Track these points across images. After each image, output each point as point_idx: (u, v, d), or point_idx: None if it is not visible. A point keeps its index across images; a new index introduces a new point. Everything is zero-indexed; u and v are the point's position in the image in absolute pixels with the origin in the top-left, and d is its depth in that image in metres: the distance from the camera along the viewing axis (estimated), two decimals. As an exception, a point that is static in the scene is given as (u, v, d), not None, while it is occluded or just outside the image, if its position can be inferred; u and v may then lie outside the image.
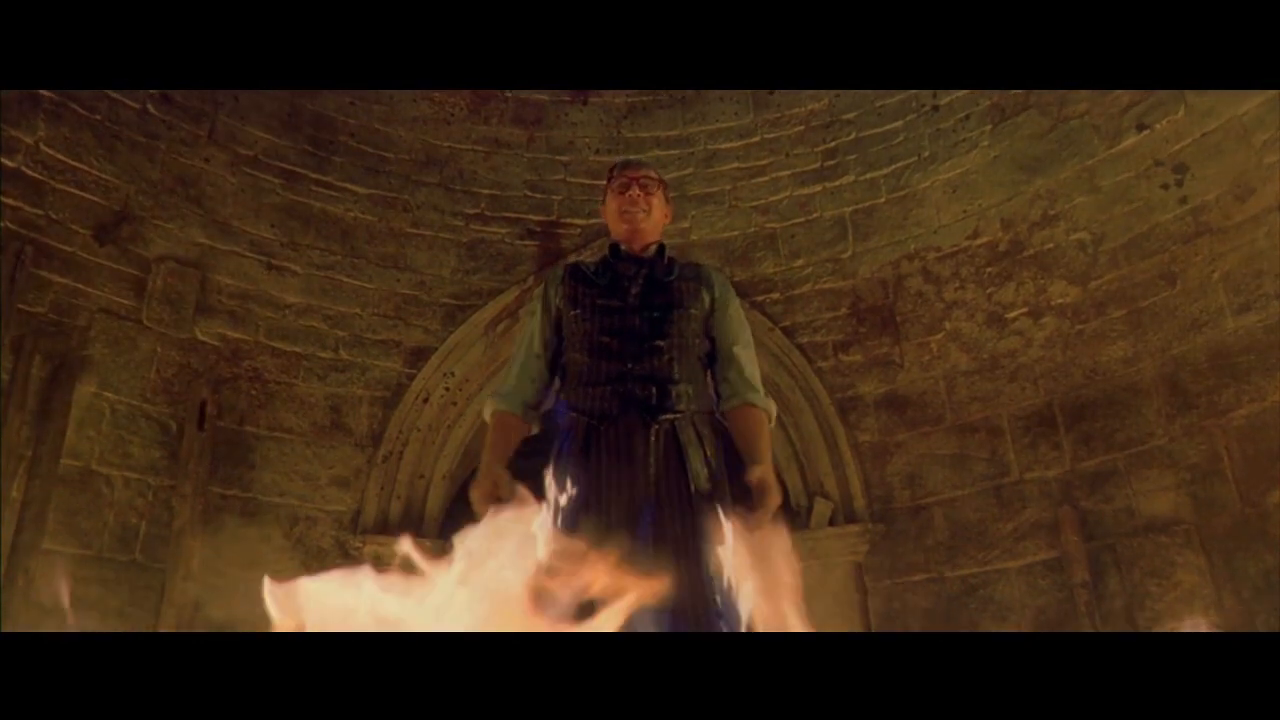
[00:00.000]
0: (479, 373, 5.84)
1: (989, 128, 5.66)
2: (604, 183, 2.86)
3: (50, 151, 4.92)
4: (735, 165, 6.32)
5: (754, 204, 6.21)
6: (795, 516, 5.55)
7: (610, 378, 2.45)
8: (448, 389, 5.78)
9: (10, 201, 4.70)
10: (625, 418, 2.41)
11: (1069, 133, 5.34)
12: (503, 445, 2.61)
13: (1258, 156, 4.59)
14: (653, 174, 2.78)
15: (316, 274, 5.73)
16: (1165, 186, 4.92)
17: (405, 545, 2.02)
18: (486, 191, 6.30)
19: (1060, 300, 5.19)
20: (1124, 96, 5.12)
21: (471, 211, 6.23)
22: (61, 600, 4.14)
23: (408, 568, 1.93)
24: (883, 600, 5.21)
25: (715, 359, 2.66)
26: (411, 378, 5.74)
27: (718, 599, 2.19)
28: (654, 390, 2.42)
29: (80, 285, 4.88)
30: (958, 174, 5.72)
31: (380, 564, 5.24)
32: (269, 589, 1.76)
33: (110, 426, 4.83)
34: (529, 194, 6.34)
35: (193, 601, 4.71)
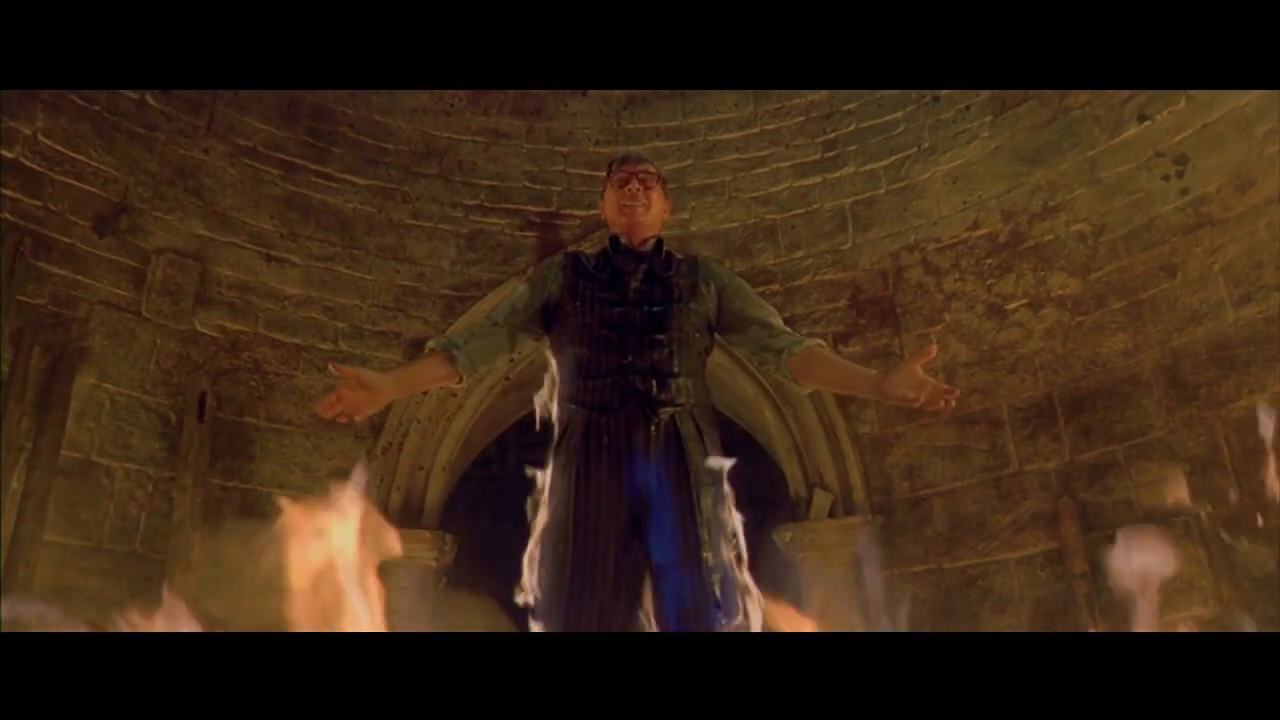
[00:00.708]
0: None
1: (989, 119, 5.65)
2: (603, 174, 2.86)
3: (49, 143, 4.91)
4: (735, 156, 6.31)
5: (754, 195, 6.20)
6: (795, 508, 5.56)
7: (610, 370, 2.45)
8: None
9: (9, 193, 4.69)
10: (625, 410, 2.41)
11: (1070, 124, 5.33)
12: (414, 372, 2.64)
13: (1259, 147, 4.58)
14: (652, 168, 2.77)
15: (316, 265, 5.73)
16: (1166, 178, 4.91)
17: None
18: (486, 182, 6.29)
19: (1060, 292, 5.18)
20: (1125, 87, 5.11)
21: (471, 203, 6.23)
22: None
23: None
24: (882, 591, 5.22)
25: (747, 334, 2.64)
26: (411, 369, 5.73)
27: (716, 591, 2.19)
28: (654, 383, 2.42)
29: (79, 277, 4.88)
30: (958, 165, 5.71)
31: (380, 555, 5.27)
32: None
33: (110, 418, 4.83)
34: (528, 185, 6.33)
35: (193, 592, 4.71)
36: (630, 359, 2.45)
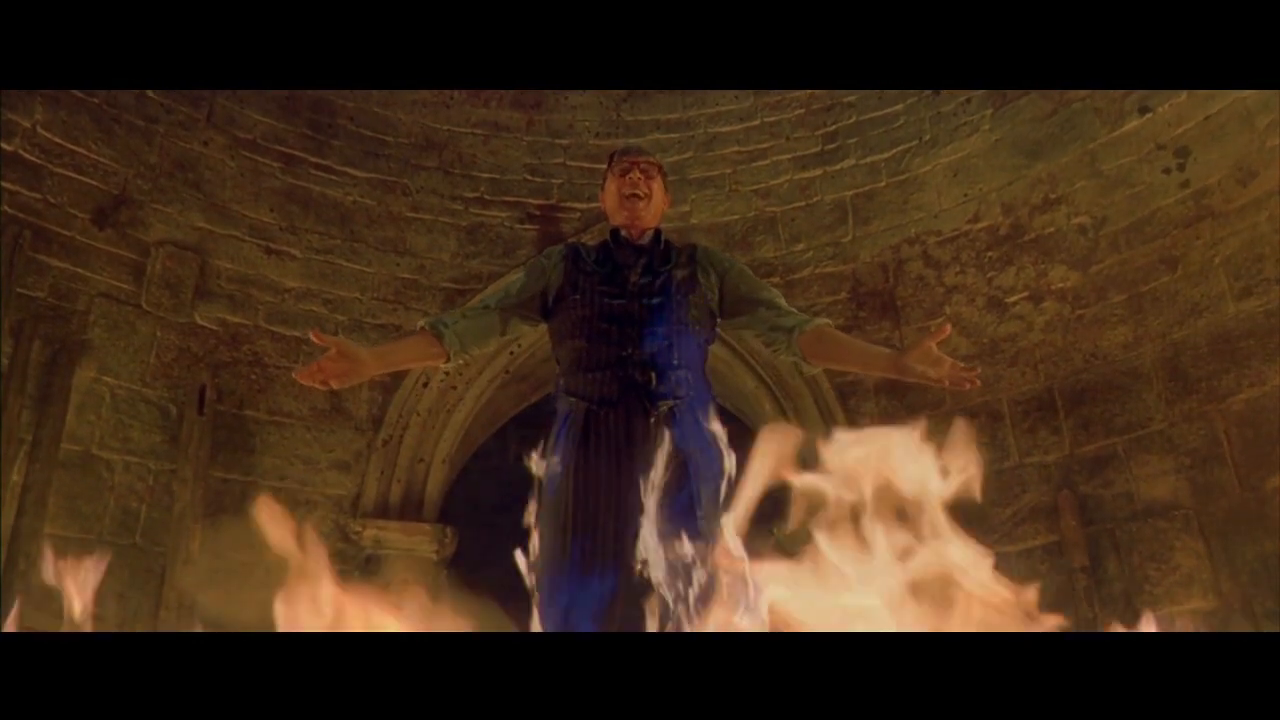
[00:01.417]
0: (478, 357, 5.82)
1: (990, 111, 5.64)
2: (603, 167, 2.86)
3: (48, 135, 4.91)
4: (735, 149, 6.31)
5: (754, 188, 6.20)
6: (795, 501, 5.55)
7: (609, 362, 2.46)
8: (447, 373, 5.77)
9: (8, 185, 4.68)
10: (624, 402, 2.41)
11: (1070, 116, 5.32)
12: (400, 348, 2.62)
13: (1260, 140, 4.57)
14: (653, 159, 2.78)
15: (316, 258, 5.72)
16: (1167, 170, 4.91)
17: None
18: (486, 175, 6.29)
19: (1060, 285, 5.18)
20: (1126, 80, 5.10)
21: (471, 195, 6.22)
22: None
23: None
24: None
25: (754, 315, 2.64)
26: (411, 362, 5.73)
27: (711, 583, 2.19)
28: (653, 375, 2.42)
29: (79, 269, 4.88)
30: (959, 158, 5.70)
31: (380, 548, 5.28)
32: None
33: (110, 411, 4.83)
34: (528, 178, 6.32)
35: (193, 585, 4.72)
36: (630, 351, 2.46)
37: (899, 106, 5.97)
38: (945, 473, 1.65)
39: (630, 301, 2.54)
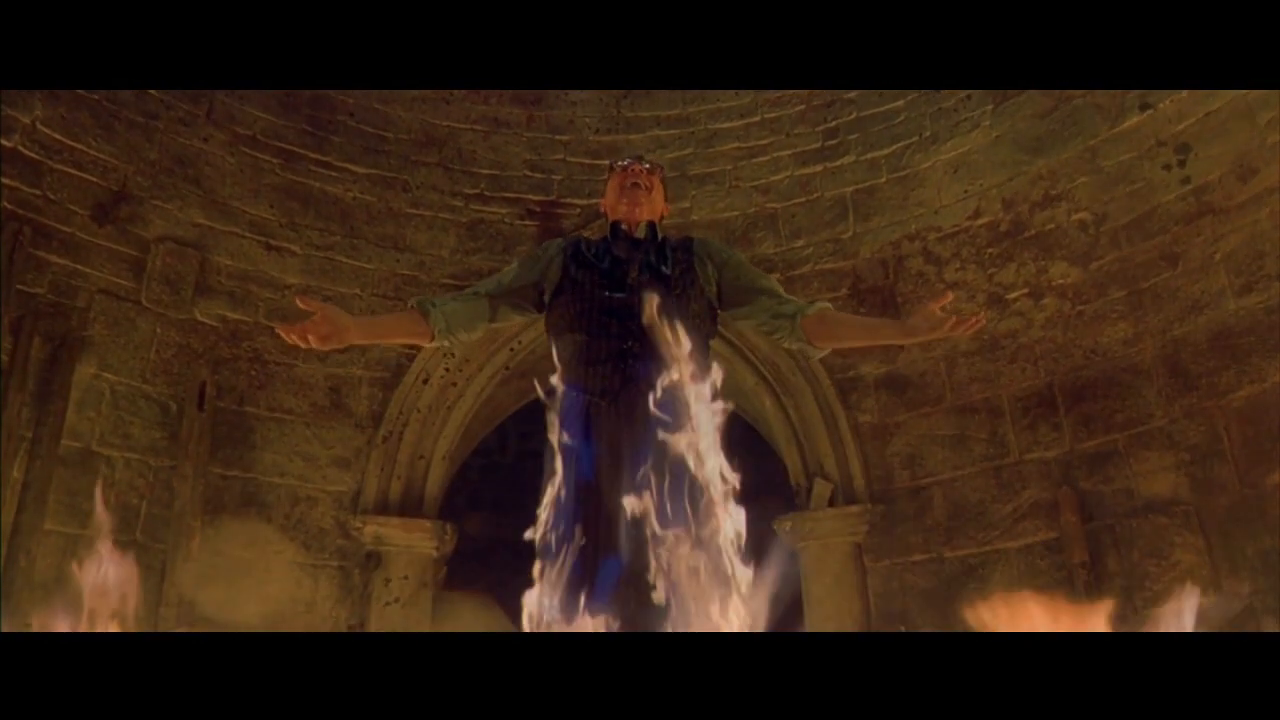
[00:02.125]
0: (479, 353, 5.83)
1: (990, 107, 5.63)
2: (603, 163, 2.88)
3: (47, 131, 4.90)
4: (736, 145, 6.30)
5: (754, 184, 6.19)
6: (795, 497, 5.56)
7: (610, 356, 2.46)
8: (447, 369, 5.77)
9: (8, 182, 4.68)
10: (625, 396, 2.42)
11: (1071, 113, 5.32)
12: (386, 321, 2.61)
13: (1261, 136, 4.56)
14: (655, 165, 2.83)
15: (316, 254, 5.72)
16: (1167, 167, 4.90)
17: None
18: (486, 171, 6.28)
19: (1061, 281, 5.18)
20: (1127, 76, 5.09)
21: (471, 191, 6.22)
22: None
23: None
24: (881, 580, 5.23)
25: (755, 304, 2.67)
26: (411, 358, 5.73)
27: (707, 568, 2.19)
28: (655, 367, 2.42)
29: (79, 266, 4.88)
30: (959, 154, 5.69)
31: (381, 544, 5.29)
32: None
33: (110, 407, 4.83)
34: (528, 174, 6.32)
35: (194, 581, 4.72)
36: (630, 345, 2.46)
37: (900, 103, 5.97)
38: None
39: (630, 295, 2.54)
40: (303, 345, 2.44)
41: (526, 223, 6.20)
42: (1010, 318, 5.30)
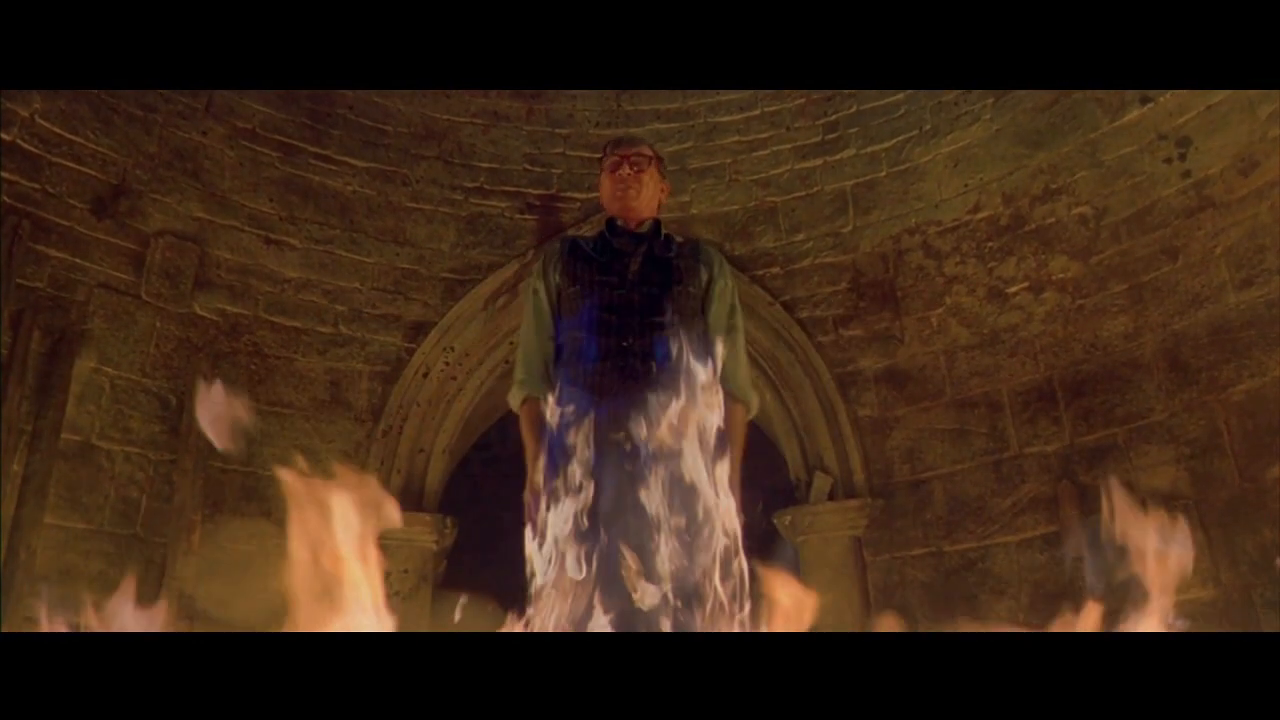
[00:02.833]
0: (479, 347, 5.83)
1: (991, 101, 5.62)
2: (600, 159, 2.86)
3: (46, 125, 4.89)
4: (735, 139, 6.29)
5: (754, 178, 6.18)
6: (795, 490, 5.56)
7: (609, 353, 2.46)
8: (448, 363, 5.77)
9: (7, 175, 4.67)
10: (625, 393, 2.41)
11: (1071, 106, 5.31)
12: (539, 437, 2.60)
13: (1262, 129, 4.56)
14: (645, 151, 2.77)
15: (315, 248, 5.71)
16: (1168, 160, 4.89)
17: None
18: (485, 165, 6.27)
19: (1061, 275, 5.17)
20: (1127, 69, 5.08)
21: (471, 185, 6.21)
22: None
23: None
24: (881, 574, 5.23)
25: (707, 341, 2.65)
26: (411, 352, 5.73)
27: (710, 569, 2.19)
28: (653, 366, 2.42)
29: (78, 260, 4.87)
30: (959, 148, 5.68)
31: (380, 538, 5.28)
32: None
33: (110, 401, 4.83)
34: (528, 168, 6.31)
35: (194, 575, 4.73)
36: (630, 342, 2.46)
37: (899, 96, 5.95)
38: None
39: (630, 291, 2.54)
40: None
41: (526, 216, 6.19)
42: (1010, 312, 5.30)
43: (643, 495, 2.27)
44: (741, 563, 2.24)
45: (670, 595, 2.12)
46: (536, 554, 2.28)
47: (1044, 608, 4.77)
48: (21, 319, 4.54)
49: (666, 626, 2.09)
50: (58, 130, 4.93)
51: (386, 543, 5.38)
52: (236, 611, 4.73)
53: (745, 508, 2.39)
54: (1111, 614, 2.02)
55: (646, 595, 2.10)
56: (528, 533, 2.34)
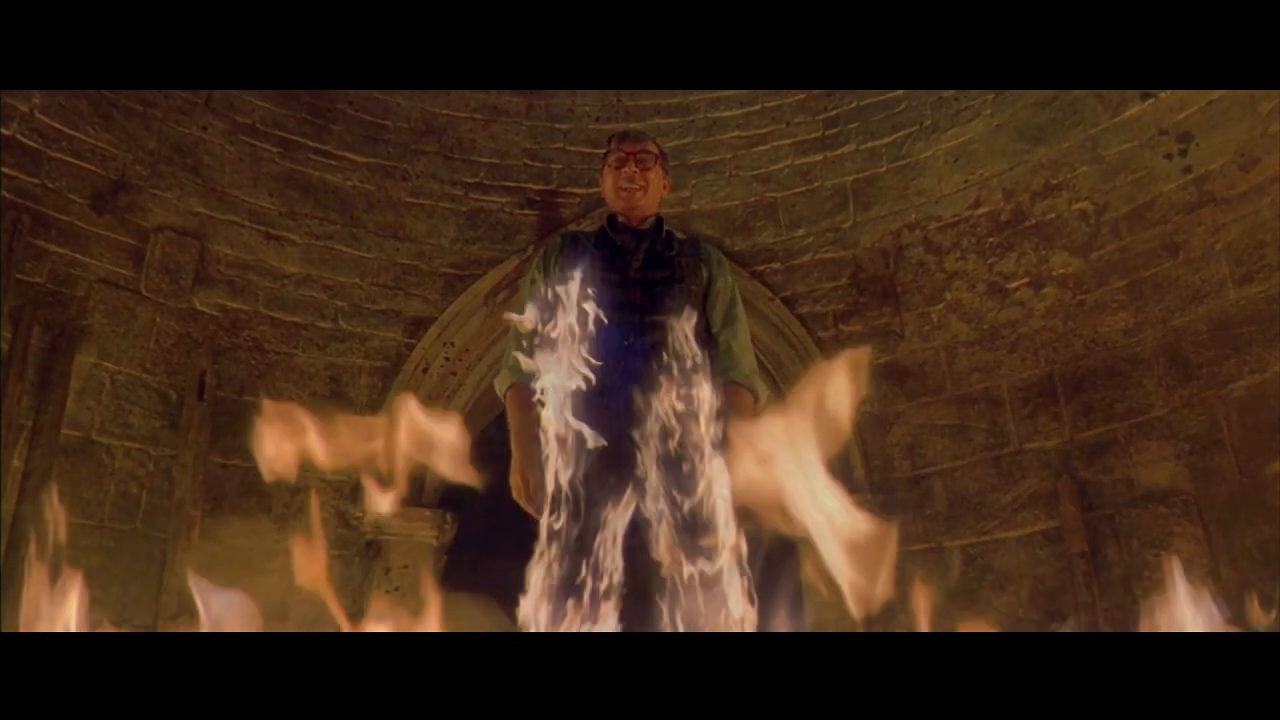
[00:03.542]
0: (479, 342, 5.83)
1: (991, 96, 5.61)
2: (604, 152, 2.85)
3: (45, 119, 4.89)
4: (736, 134, 6.28)
5: (754, 173, 6.18)
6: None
7: (609, 351, 2.45)
8: (447, 359, 5.77)
9: (7, 171, 4.67)
10: (625, 390, 2.41)
11: (1072, 102, 5.30)
12: (527, 421, 2.59)
13: (1263, 125, 4.55)
14: (650, 147, 2.76)
15: (315, 244, 5.71)
16: (1169, 156, 4.89)
17: None
18: (485, 160, 6.27)
19: (1061, 271, 5.17)
20: (1128, 65, 5.07)
21: (470, 180, 6.20)
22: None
23: None
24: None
25: (709, 338, 2.66)
26: (411, 347, 5.73)
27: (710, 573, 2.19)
28: (654, 364, 2.41)
29: (78, 255, 4.87)
30: (960, 143, 5.68)
31: (380, 534, 5.29)
32: None
33: (110, 397, 4.83)
34: (528, 163, 6.30)
35: (194, 570, 4.72)
36: (630, 340, 2.45)
37: (900, 91, 5.94)
38: None
39: (632, 288, 2.53)
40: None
41: (526, 212, 6.19)
42: (1010, 307, 5.30)
43: (643, 491, 2.27)
44: (742, 546, 2.23)
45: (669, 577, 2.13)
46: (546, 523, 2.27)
47: (1044, 603, 4.78)
48: (21, 314, 4.54)
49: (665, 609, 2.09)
50: (57, 125, 4.92)
51: (386, 538, 5.42)
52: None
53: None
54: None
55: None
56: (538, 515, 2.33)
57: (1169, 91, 4.90)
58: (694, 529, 2.20)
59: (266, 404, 1.95)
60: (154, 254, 5.14)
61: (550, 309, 2.66)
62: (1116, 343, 4.91)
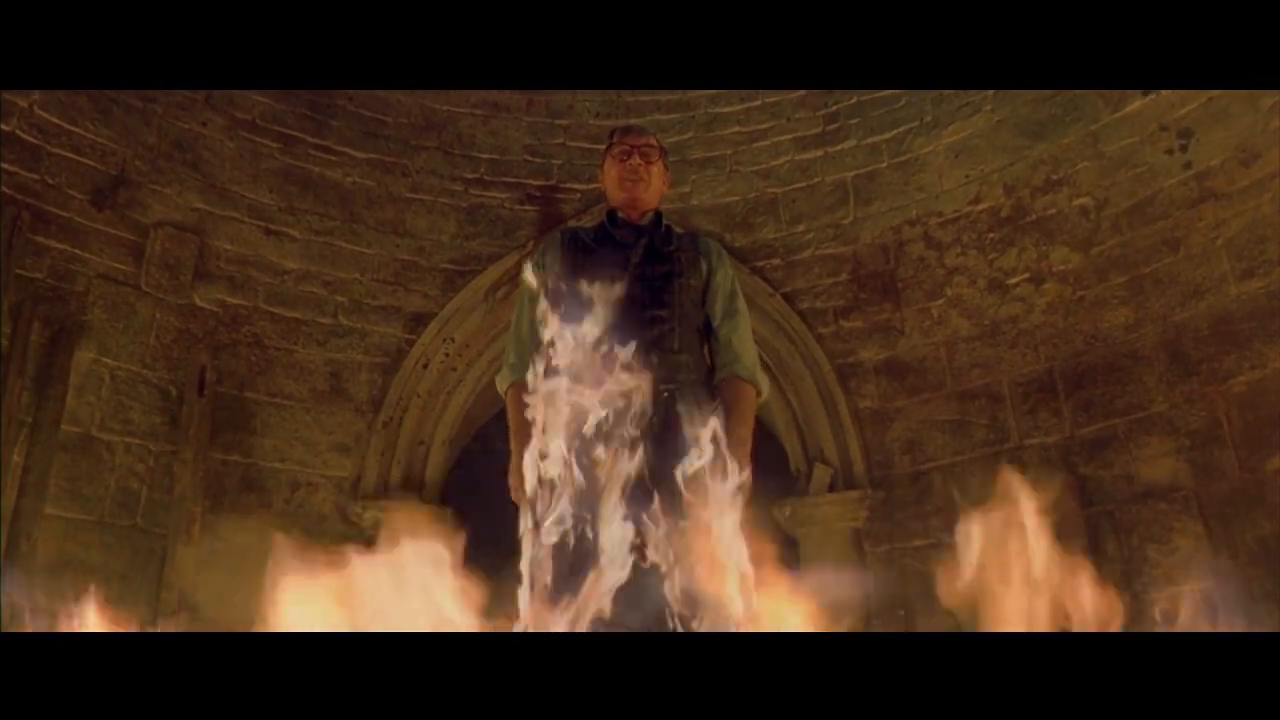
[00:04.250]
0: (479, 338, 5.83)
1: (992, 92, 5.60)
2: (604, 148, 2.84)
3: (45, 115, 4.88)
4: (736, 130, 6.27)
5: (755, 169, 6.17)
6: (795, 482, 5.56)
7: (609, 346, 2.44)
8: (447, 354, 5.77)
9: (6, 166, 4.67)
10: (625, 385, 2.40)
11: (1073, 97, 5.29)
12: (526, 421, 2.58)
13: (1264, 121, 4.55)
14: (653, 141, 2.76)
15: (315, 239, 5.71)
16: (1169, 151, 4.88)
17: None
18: (486, 156, 6.26)
19: (1062, 266, 5.16)
20: (1129, 60, 5.07)
21: (471, 176, 6.19)
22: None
23: None
24: (881, 566, 5.23)
25: (709, 332, 2.65)
26: (411, 343, 5.73)
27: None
28: (654, 358, 2.41)
29: (78, 250, 4.87)
30: (960, 139, 5.67)
31: (380, 529, 5.29)
32: None
33: (110, 392, 4.83)
34: (528, 158, 6.30)
35: (194, 566, 4.73)
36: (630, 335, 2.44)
37: (901, 87, 5.94)
38: None
39: (631, 283, 2.53)
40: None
41: (526, 207, 6.18)
42: (1011, 303, 5.30)
43: (643, 487, 2.26)
44: (743, 554, 2.23)
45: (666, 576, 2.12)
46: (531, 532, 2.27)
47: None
48: (21, 310, 4.54)
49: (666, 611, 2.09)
50: (56, 121, 4.92)
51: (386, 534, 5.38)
52: (237, 601, 4.74)
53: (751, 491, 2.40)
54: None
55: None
56: (522, 516, 2.33)
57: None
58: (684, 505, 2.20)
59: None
60: (154, 249, 5.14)
61: (551, 304, 2.65)
62: (1117, 338, 4.90)
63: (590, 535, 2.20)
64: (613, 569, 2.11)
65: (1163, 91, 4.92)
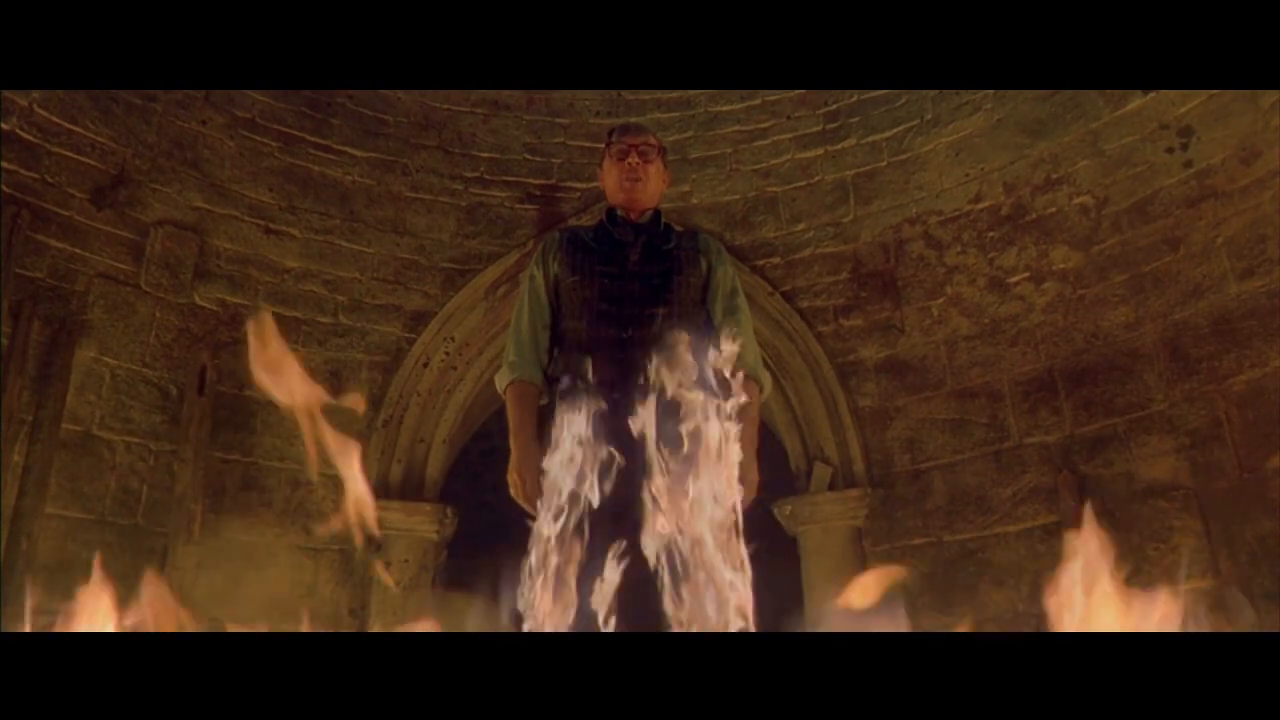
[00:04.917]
0: (479, 337, 5.83)
1: (992, 91, 5.60)
2: (603, 146, 2.85)
3: (45, 114, 4.88)
4: (736, 128, 6.27)
5: (755, 167, 6.17)
6: (795, 481, 5.56)
7: (609, 344, 2.45)
8: (448, 353, 5.77)
9: (6, 165, 4.66)
10: (625, 384, 2.40)
11: (1073, 96, 5.29)
12: (526, 418, 2.58)
13: (1265, 119, 4.54)
14: (652, 140, 2.76)
15: (315, 238, 5.71)
16: (1170, 150, 4.88)
17: None
18: (486, 155, 6.26)
19: (1062, 265, 5.16)
20: (1129, 58, 5.06)
21: (471, 175, 6.19)
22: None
23: None
24: (881, 564, 5.23)
25: (710, 330, 2.65)
26: (411, 342, 5.73)
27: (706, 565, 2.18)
28: (654, 356, 2.41)
29: (78, 250, 4.87)
30: (960, 137, 5.67)
31: (381, 528, 5.29)
32: None
33: (110, 391, 4.83)
34: (528, 157, 6.30)
35: (195, 565, 4.74)
36: (630, 333, 2.45)
37: (901, 85, 5.94)
38: None
39: (630, 281, 2.53)
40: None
41: (526, 206, 6.18)
42: (1011, 302, 5.30)
43: (644, 485, 2.26)
44: (741, 548, 2.23)
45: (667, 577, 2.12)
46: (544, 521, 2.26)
47: (1044, 598, 4.77)
48: (21, 309, 4.54)
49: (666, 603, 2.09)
50: (56, 119, 4.92)
51: (387, 533, 5.42)
52: (237, 600, 4.75)
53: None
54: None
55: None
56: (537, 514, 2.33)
57: (1170, 85, 4.89)
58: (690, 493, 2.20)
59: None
60: (154, 249, 5.14)
61: (551, 302, 2.66)
62: (1117, 337, 4.90)
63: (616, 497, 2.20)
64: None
65: (1163, 90, 4.91)
